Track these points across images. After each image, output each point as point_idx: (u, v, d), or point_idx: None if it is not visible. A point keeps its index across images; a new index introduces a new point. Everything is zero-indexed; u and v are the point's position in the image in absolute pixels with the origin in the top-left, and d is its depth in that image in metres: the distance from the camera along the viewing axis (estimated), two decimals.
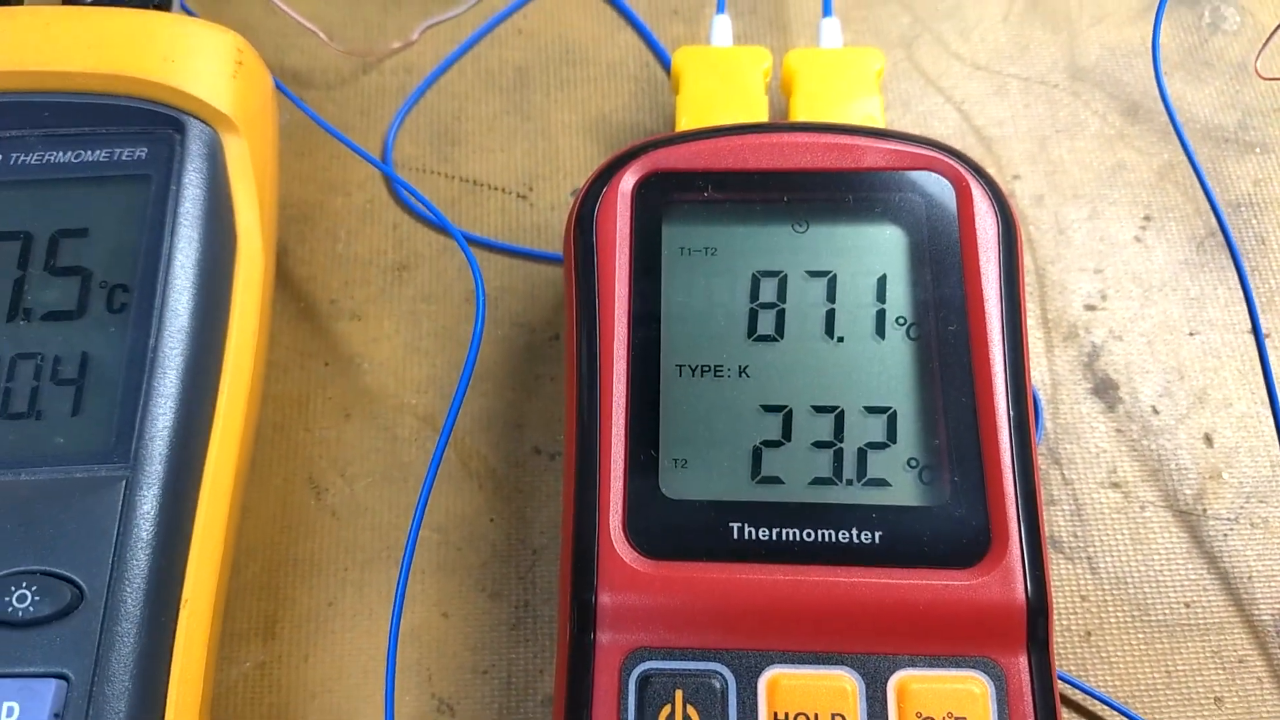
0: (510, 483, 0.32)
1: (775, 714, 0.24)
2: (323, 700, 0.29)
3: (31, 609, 0.24)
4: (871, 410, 0.27)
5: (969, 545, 0.25)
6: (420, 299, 0.34)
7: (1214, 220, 0.34)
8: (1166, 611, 0.31)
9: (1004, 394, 0.27)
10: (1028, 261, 0.35)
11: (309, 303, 0.34)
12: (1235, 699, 0.30)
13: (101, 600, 0.24)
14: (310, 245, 0.35)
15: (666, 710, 0.24)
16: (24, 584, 0.24)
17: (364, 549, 0.31)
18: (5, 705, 0.23)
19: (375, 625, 0.30)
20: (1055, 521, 0.31)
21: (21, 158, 0.29)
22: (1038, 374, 0.33)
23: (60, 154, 0.29)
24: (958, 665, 0.25)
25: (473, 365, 0.30)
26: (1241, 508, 0.32)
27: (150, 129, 0.29)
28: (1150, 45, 0.36)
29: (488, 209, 0.35)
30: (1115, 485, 0.32)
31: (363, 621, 0.30)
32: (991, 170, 0.36)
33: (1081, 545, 0.31)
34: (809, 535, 0.26)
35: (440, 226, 0.35)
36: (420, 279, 0.34)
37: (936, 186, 0.29)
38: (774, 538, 0.26)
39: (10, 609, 0.24)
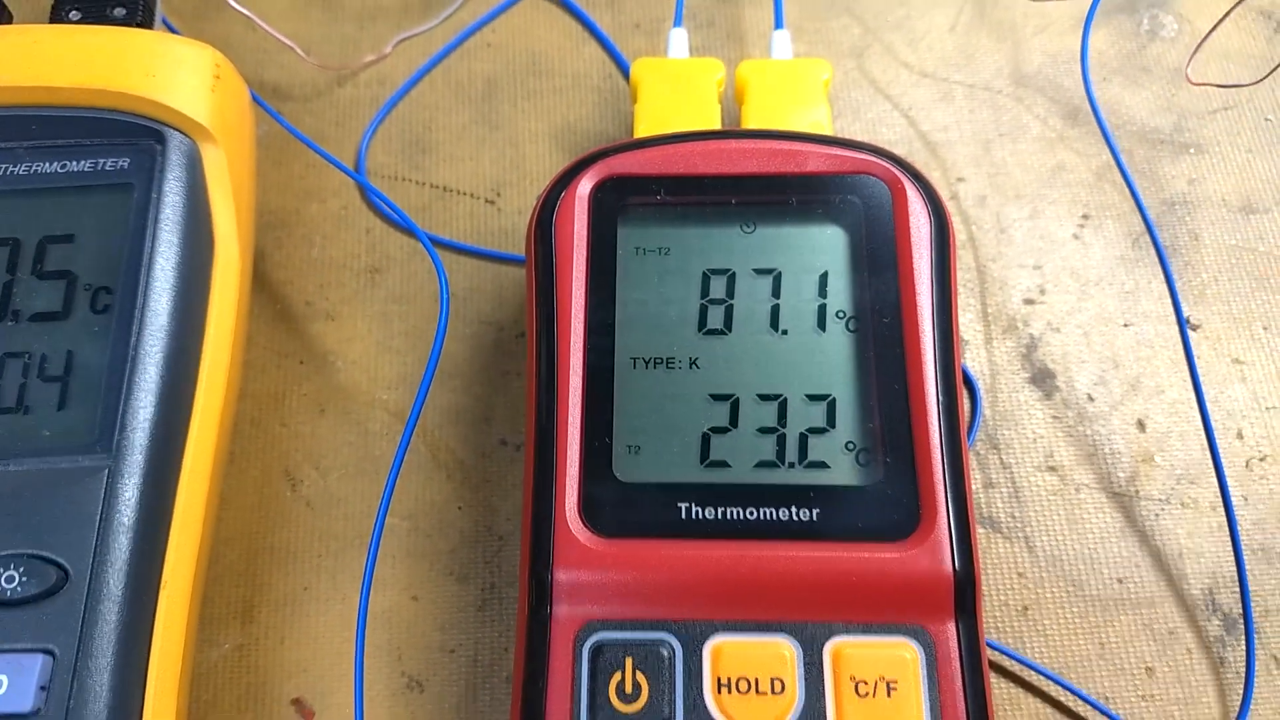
0: (478, 473, 0.34)
1: (719, 679, 0.26)
2: (299, 680, 0.31)
3: (20, 589, 0.25)
4: (813, 398, 0.29)
5: (900, 521, 0.27)
6: (391, 300, 0.36)
7: (1143, 219, 0.35)
8: (1100, 587, 0.32)
9: (934, 381, 0.28)
10: (970, 259, 0.36)
11: (285, 304, 0.36)
12: (1166, 669, 0.31)
13: (85, 581, 0.26)
14: (287, 250, 0.36)
15: (617, 677, 0.26)
16: (12, 566, 0.26)
17: (337, 537, 0.33)
18: None
19: (348, 609, 0.32)
20: (994, 503, 0.33)
21: (10, 168, 0.31)
22: (978, 365, 0.35)
23: (47, 164, 0.31)
24: (890, 632, 0.26)
25: (437, 360, 0.32)
26: (1172, 489, 0.33)
27: (132, 140, 0.31)
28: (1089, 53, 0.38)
29: (457, 214, 0.37)
30: (1052, 469, 0.34)
31: (336, 605, 0.32)
32: (936, 174, 0.38)
33: (1019, 525, 0.33)
34: (752, 514, 0.27)
35: (410, 231, 0.37)
36: (391, 281, 0.36)
37: (874, 189, 0.31)
38: (720, 516, 0.27)
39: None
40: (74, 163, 0.31)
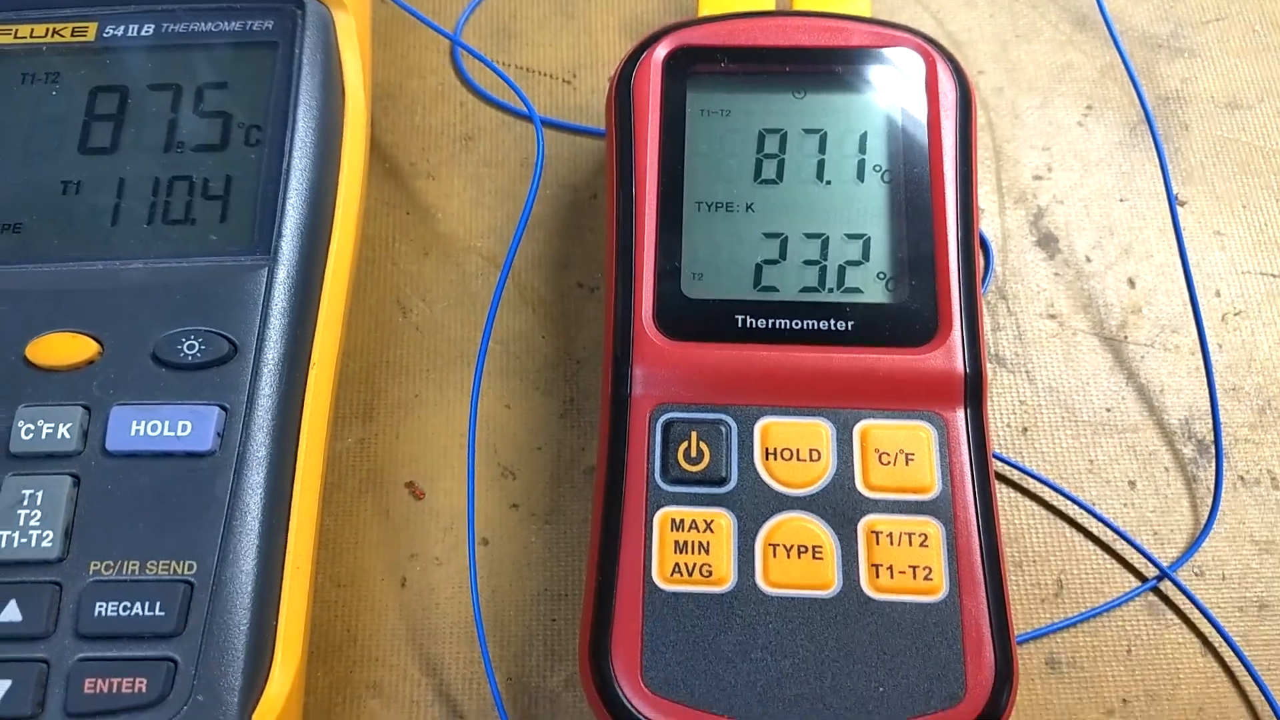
0: (558, 308, 0.39)
1: (766, 449, 0.31)
2: (411, 468, 0.37)
3: (199, 356, 0.31)
4: (851, 236, 0.34)
5: (921, 330, 0.32)
6: (482, 164, 0.41)
7: (1142, 109, 0.41)
8: (1091, 414, 0.38)
9: (955, 220, 0.34)
10: (988, 140, 0.42)
11: (393, 164, 0.41)
12: (1146, 483, 0.37)
13: (251, 353, 0.31)
14: (393, 118, 0.42)
15: (684, 445, 0.32)
16: (193, 338, 0.31)
17: (441, 355, 0.38)
18: (181, 423, 0.30)
19: (452, 413, 0.37)
20: (1000, 343, 0.39)
21: (170, 26, 0.36)
22: (992, 229, 0.40)
23: (204, 24, 0.36)
24: (910, 417, 0.32)
25: (528, 214, 0.37)
26: (1157, 336, 0.39)
27: (277, 5, 0.36)
28: None
29: (539, 91, 0.43)
30: (1052, 316, 0.39)
31: (441, 410, 0.37)
32: None
33: (1021, 362, 0.38)
34: (797, 324, 0.33)
35: (496, 104, 0.42)
36: (482, 148, 0.42)
37: (909, 60, 0.36)
38: (769, 326, 0.33)
39: (183, 356, 0.31)
40: (226, 23, 0.36)
